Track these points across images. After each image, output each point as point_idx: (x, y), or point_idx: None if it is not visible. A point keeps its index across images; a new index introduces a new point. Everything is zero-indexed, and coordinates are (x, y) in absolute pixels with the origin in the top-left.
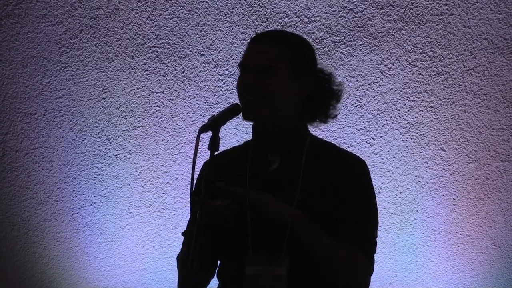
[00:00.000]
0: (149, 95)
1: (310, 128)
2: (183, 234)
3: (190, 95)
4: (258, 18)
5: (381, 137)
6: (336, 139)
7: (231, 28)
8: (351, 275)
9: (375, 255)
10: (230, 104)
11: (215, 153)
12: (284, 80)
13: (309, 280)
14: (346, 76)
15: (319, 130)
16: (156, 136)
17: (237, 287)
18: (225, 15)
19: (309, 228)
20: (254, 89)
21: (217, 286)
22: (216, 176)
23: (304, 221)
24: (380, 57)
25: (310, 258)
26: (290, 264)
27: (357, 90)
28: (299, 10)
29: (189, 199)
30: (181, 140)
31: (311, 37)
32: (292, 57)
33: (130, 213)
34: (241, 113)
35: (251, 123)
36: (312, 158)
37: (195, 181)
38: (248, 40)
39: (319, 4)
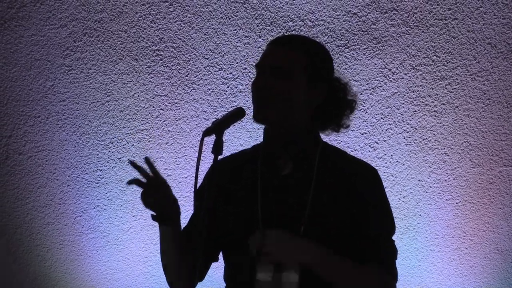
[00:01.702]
0: (153, 98)
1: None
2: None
3: (194, 99)
4: (262, 22)
5: (384, 141)
6: (339, 143)
7: (235, 31)
8: None
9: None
10: (234, 107)
11: (224, 157)
12: (298, 85)
13: (321, 287)
14: (350, 80)
15: (322, 135)
16: (160, 139)
17: None
18: (229, 18)
19: (324, 262)
20: (266, 91)
21: None
22: (223, 180)
23: (318, 258)
24: (384, 61)
25: None
26: (302, 270)
27: (361, 94)
28: (303, 14)
29: (193, 201)
30: (184, 143)
31: None
32: (307, 63)
33: (133, 216)
34: (245, 117)
35: (256, 127)
36: (324, 164)
37: (199, 183)
38: (253, 43)
39: (323, 8)
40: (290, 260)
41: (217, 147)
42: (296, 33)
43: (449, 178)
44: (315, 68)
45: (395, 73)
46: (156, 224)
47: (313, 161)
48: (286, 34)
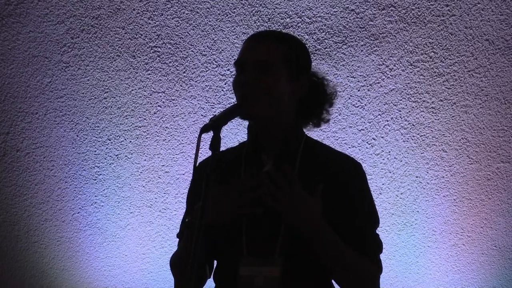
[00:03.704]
0: (151, 95)
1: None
2: (178, 236)
3: (192, 95)
4: (259, 18)
5: (382, 137)
6: (337, 139)
7: (232, 28)
8: (362, 284)
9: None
10: (231, 104)
11: (209, 149)
12: (282, 79)
13: (303, 281)
14: (348, 76)
15: (319, 131)
16: (158, 136)
17: (231, 287)
18: (227, 15)
19: (327, 242)
20: (251, 87)
21: None
22: (217, 176)
23: (323, 236)
24: (382, 58)
25: (303, 259)
26: (284, 265)
27: (359, 90)
28: (300, 11)
29: (187, 200)
30: (182, 140)
31: (312, 38)
32: (290, 56)
33: (131, 213)
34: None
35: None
36: (307, 159)
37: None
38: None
39: (321, 4)
40: (294, 219)
41: (215, 144)
42: (294, 30)
43: (446, 175)
44: (295, 60)
45: (392, 70)
46: (153, 221)
47: (296, 156)
48: (261, 30)
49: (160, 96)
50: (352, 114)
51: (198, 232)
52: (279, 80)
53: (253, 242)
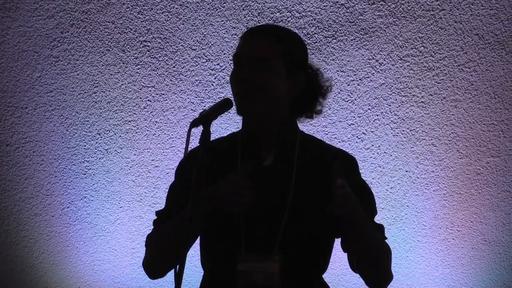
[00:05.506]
0: (140, 89)
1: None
2: (157, 213)
3: (181, 90)
4: (249, 12)
5: (372, 132)
6: (327, 134)
7: (222, 22)
8: (387, 267)
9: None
10: (221, 98)
11: (199, 144)
12: (279, 75)
13: (302, 277)
14: (337, 71)
15: (309, 125)
16: (147, 130)
17: (229, 283)
18: (217, 9)
19: (363, 225)
20: (248, 84)
21: (202, 276)
22: (210, 165)
23: (362, 218)
24: (371, 52)
25: (301, 255)
26: (283, 261)
27: (348, 85)
28: (290, 5)
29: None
30: (172, 134)
31: (302, 32)
32: (287, 52)
33: (120, 207)
34: (232, 108)
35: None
36: (304, 153)
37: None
38: (241, 34)
39: None
40: (351, 203)
41: (205, 138)
42: (284, 24)
43: (436, 169)
44: (292, 56)
45: (382, 64)
46: (143, 215)
47: (293, 151)
48: (259, 24)
49: (150, 91)
50: (342, 108)
51: (189, 224)
52: (275, 77)
53: (251, 239)
